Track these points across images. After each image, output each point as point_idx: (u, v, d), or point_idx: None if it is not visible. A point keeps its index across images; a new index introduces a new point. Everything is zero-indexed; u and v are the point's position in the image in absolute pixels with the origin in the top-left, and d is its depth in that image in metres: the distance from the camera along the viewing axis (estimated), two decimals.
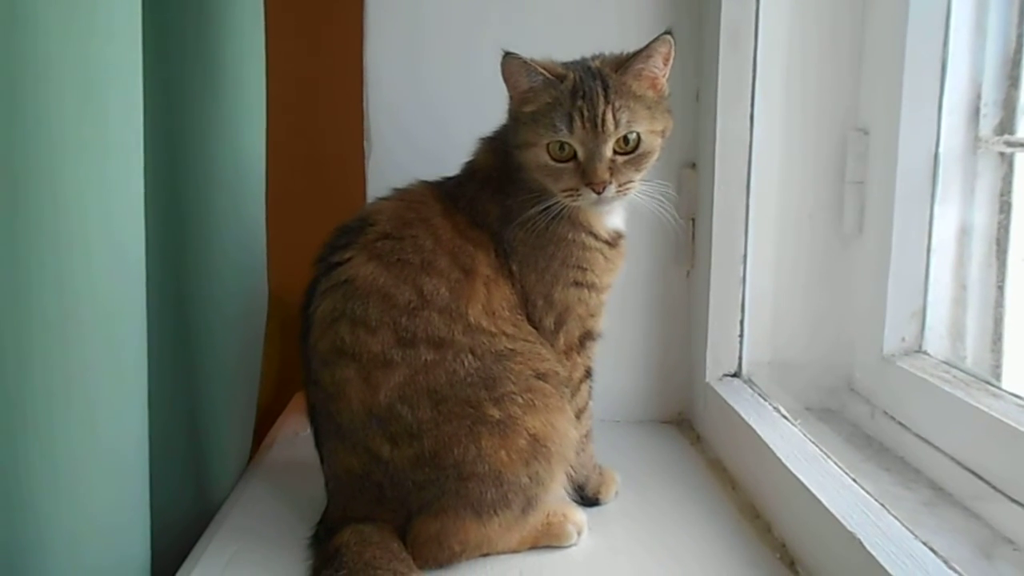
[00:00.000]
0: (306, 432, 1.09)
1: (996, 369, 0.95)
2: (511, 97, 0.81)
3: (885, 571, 0.62)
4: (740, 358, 1.02)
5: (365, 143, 1.11)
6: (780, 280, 1.02)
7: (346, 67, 1.14)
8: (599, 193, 0.77)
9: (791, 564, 0.77)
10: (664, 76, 0.80)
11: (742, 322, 1.01)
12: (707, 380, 1.03)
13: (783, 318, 1.02)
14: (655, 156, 0.80)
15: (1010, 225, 0.93)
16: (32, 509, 0.65)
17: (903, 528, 0.69)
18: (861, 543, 0.66)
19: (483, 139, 0.87)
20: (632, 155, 0.78)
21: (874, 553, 0.64)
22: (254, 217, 0.99)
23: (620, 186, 0.77)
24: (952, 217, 0.96)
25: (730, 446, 0.97)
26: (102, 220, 0.66)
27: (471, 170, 0.86)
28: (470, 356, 0.76)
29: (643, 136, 0.77)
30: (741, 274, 1.00)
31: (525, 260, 0.81)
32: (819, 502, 0.74)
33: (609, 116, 0.75)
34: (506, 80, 0.80)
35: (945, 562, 0.63)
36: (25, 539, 0.65)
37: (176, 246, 0.90)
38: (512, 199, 0.81)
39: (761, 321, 1.02)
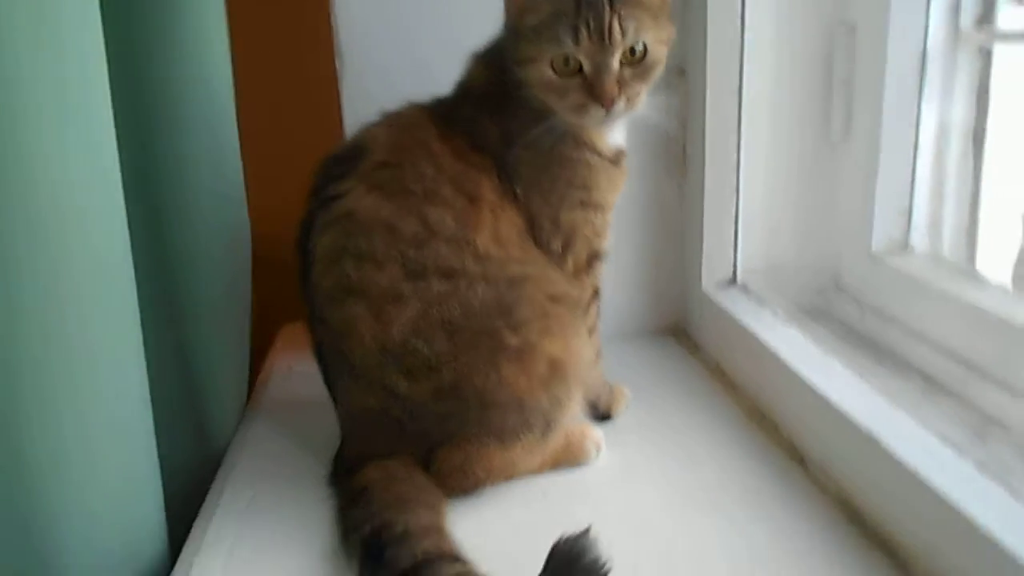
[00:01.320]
0: (301, 368, 1.08)
1: (970, 260, 0.98)
2: (508, 9, 0.77)
3: (897, 462, 0.65)
4: (735, 266, 1.03)
5: (336, 61, 1.05)
6: (771, 186, 1.02)
7: None
8: (608, 108, 0.74)
9: (801, 461, 0.80)
10: None
11: (736, 230, 1.01)
12: (703, 289, 1.04)
13: (775, 224, 1.03)
14: (662, 66, 0.77)
15: (987, 119, 0.95)
16: (41, 482, 0.63)
17: (912, 421, 0.71)
18: (872, 437, 0.68)
19: (476, 55, 0.83)
20: (639, 66, 0.75)
21: (884, 444, 0.67)
22: (228, 141, 0.94)
23: (628, 100, 0.75)
24: (935, 114, 0.96)
25: (730, 352, 0.99)
26: (73, 157, 0.61)
27: (465, 89, 0.82)
28: (483, 284, 0.74)
29: (650, 46, 0.74)
30: (735, 182, 0.99)
31: (530, 182, 0.79)
32: (827, 400, 0.76)
33: (616, 26, 0.72)
34: None
35: (958, 451, 0.65)
36: (40, 514, 0.63)
37: (151, 179, 0.84)
38: (513, 119, 0.78)
39: (753, 228, 1.02)
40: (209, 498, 0.82)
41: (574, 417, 0.81)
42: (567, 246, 0.81)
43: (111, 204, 0.67)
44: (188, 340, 0.90)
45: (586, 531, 0.59)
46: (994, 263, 0.99)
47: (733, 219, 1.01)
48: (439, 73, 0.83)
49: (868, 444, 0.69)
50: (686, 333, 1.11)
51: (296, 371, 1.08)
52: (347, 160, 0.78)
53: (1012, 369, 0.78)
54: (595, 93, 0.73)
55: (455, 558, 0.63)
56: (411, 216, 0.74)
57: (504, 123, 0.79)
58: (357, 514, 0.70)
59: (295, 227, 0.84)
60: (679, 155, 1.05)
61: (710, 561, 0.67)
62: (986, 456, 0.67)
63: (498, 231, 0.77)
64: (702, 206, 1.01)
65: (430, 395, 0.74)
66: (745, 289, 1.02)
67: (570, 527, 0.60)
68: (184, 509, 0.81)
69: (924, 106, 0.95)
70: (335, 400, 0.81)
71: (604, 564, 0.57)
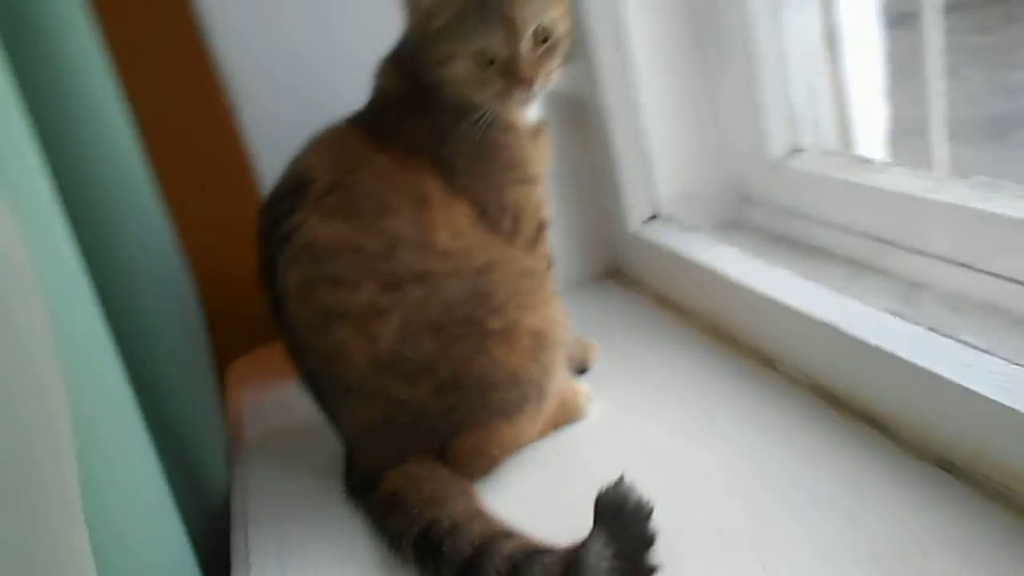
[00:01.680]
0: (271, 399, 1.08)
1: (851, 146, 1.10)
2: (412, 14, 0.79)
3: (858, 340, 0.73)
4: (654, 201, 1.10)
5: (228, 95, 1.03)
6: (669, 121, 1.08)
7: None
8: (529, 90, 0.78)
9: (770, 364, 0.88)
10: None
11: (648, 169, 1.08)
12: (630, 230, 1.10)
13: (681, 155, 1.10)
14: (568, 39, 0.81)
15: (837, 20, 1.06)
16: None
17: (856, 301, 0.80)
18: (829, 323, 0.77)
19: (385, 61, 0.85)
20: (549, 44, 0.78)
21: (841, 327, 0.75)
22: (147, 195, 0.93)
23: (545, 77, 0.79)
24: (796, 21, 1.06)
25: (671, 282, 1.06)
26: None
27: (382, 97, 0.84)
28: (455, 279, 0.78)
29: (554, 22, 0.78)
30: (637, 124, 1.06)
31: (469, 173, 0.82)
32: (778, 301, 0.84)
33: (520, 12, 0.75)
34: None
35: (914, 324, 0.75)
36: None
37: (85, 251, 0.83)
38: (438, 116, 0.81)
39: (662, 163, 1.09)
40: (235, 546, 0.82)
41: (562, 378, 0.86)
42: (516, 223, 0.85)
43: (77, 284, 0.65)
44: (164, 400, 0.89)
45: (621, 478, 0.65)
46: (872, 145, 1.12)
47: (643, 159, 1.07)
48: (338, 83, 0.85)
49: (827, 331, 0.77)
50: (622, 273, 1.18)
51: (267, 403, 1.08)
52: (291, 195, 0.79)
53: (918, 235, 0.88)
54: (514, 79, 0.77)
55: (508, 534, 0.68)
56: (371, 232, 0.76)
57: (431, 122, 0.81)
58: (398, 520, 0.73)
59: (226, 266, 0.84)
60: (579, 112, 1.10)
61: (731, 473, 0.74)
62: (920, 316, 0.77)
63: (454, 226, 0.80)
64: (613, 154, 1.07)
65: (432, 394, 0.77)
66: (669, 220, 1.10)
67: (591, 476, 0.66)
68: (211, 565, 0.82)
69: (786, 16, 1.04)
70: (334, 421, 0.84)
71: (648, 504, 0.63)
